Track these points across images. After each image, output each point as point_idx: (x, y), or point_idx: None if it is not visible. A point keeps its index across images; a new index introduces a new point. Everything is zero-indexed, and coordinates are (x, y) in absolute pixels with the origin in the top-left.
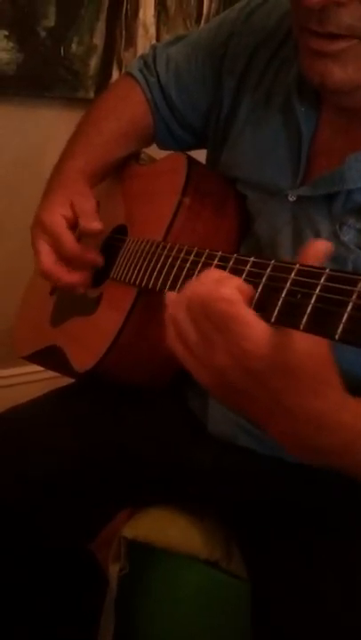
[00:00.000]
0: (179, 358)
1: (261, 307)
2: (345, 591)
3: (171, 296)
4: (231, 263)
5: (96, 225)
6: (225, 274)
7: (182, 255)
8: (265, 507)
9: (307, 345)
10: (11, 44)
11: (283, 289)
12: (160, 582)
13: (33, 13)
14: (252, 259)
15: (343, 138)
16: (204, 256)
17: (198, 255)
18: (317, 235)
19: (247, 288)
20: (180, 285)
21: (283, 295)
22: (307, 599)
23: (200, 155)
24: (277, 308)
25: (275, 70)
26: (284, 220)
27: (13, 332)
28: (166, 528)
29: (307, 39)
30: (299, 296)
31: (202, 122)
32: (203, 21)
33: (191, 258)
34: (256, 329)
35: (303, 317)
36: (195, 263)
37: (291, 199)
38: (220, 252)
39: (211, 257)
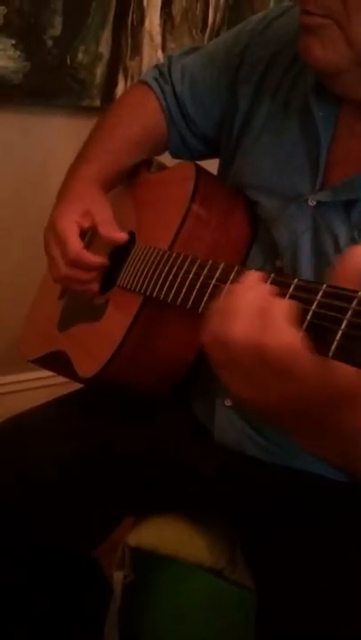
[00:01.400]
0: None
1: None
2: (348, 596)
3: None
4: (233, 276)
5: (121, 236)
6: (272, 305)
7: (185, 266)
8: (270, 514)
9: (346, 368)
10: (17, 53)
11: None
12: (164, 590)
13: (39, 22)
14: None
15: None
16: (207, 268)
17: (201, 267)
18: (336, 240)
19: (298, 322)
20: (183, 299)
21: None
22: (310, 604)
23: (211, 165)
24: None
25: (292, 78)
26: (305, 226)
27: (21, 335)
28: (171, 536)
29: (302, 17)
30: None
31: (215, 131)
32: (208, 30)
33: (194, 269)
34: (314, 371)
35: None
36: (197, 275)
37: (311, 204)
38: (222, 264)
39: (213, 269)
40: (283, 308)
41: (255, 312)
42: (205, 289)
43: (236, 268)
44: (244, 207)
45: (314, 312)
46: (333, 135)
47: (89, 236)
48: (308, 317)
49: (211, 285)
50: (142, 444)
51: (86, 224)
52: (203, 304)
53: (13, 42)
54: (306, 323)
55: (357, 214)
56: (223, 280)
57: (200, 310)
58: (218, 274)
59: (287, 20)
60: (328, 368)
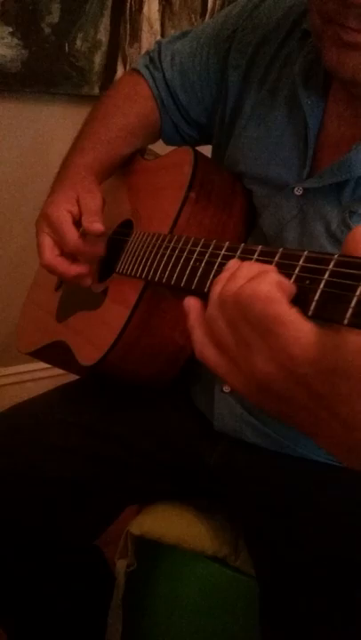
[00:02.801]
0: (209, 364)
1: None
2: (350, 583)
3: (190, 301)
4: (238, 253)
5: (98, 226)
6: (259, 267)
7: (188, 247)
8: (272, 501)
9: (358, 343)
10: (15, 41)
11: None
12: (167, 578)
13: (37, 10)
14: (259, 247)
15: (350, 128)
16: (211, 247)
17: (205, 247)
18: (328, 225)
19: (287, 283)
20: (187, 279)
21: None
22: (312, 591)
23: (205, 150)
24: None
25: (280, 65)
26: (291, 215)
27: (17, 328)
28: (173, 524)
29: (338, 31)
30: (307, 282)
31: (207, 117)
32: (207, 16)
33: (198, 249)
34: (302, 330)
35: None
36: (201, 254)
37: (297, 193)
38: (227, 243)
39: (218, 247)
40: (273, 274)
41: (246, 275)
42: (211, 267)
43: (241, 246)
44: (242, 193)
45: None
46: (321, 122)
47: (82, 230)
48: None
49: (216, 264)
50: (144, 432)
51: (76, 212)
52: (208, 283)
53: (11, 29)
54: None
55: (348, 195)
56: (229, 258)
57: (205, 290)
58: (223, 252)
59: (273, 3)
60: (329, 336)
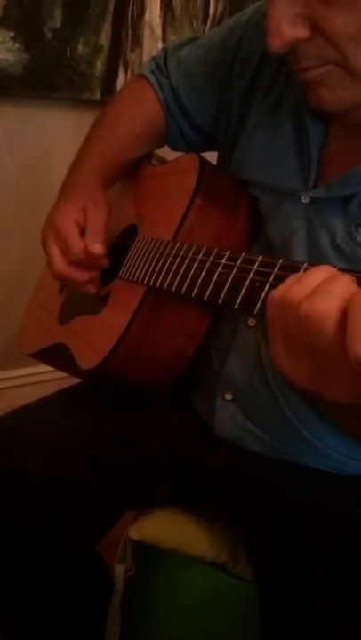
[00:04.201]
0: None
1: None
2: (350, 589)
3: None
4: (239, 262)
5: (98, 248)
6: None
7: (190, 255)
8: (272, 503)
9: None
10: (17, 46)
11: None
12: (166, 584)
13: (39, 15)
14: (260, 258)
15: (355, 141)
16: (213, 255)
17: (207, 254)
18: (333, 236)
19: None
20: (188, 287)
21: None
22: (312, 598)
23: (210, 157)
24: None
25: (285, 74)
26: (298, 223)
27: (20, 329)
28: (172, 530)
29: (300, 74)
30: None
31: (211, 124)
32: (209, 22)
33: (199, 257)
34: None
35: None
36: (202, 262)
37: (304, 201)
38: (228, 252)
39: (219, 256)
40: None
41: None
42: (211, 277)
43: (242, 256)
44: (247, 201)
45: None
46: (327, 132)
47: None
48: None
49: (216, 273)
50: (144, 434)
51: (83, 223)
52: (208, 292)
53: (12, 34)
54: None
55: (355, 209)
56: (230, 267)
57: (205, 298)
58: (223, 261)
59: None
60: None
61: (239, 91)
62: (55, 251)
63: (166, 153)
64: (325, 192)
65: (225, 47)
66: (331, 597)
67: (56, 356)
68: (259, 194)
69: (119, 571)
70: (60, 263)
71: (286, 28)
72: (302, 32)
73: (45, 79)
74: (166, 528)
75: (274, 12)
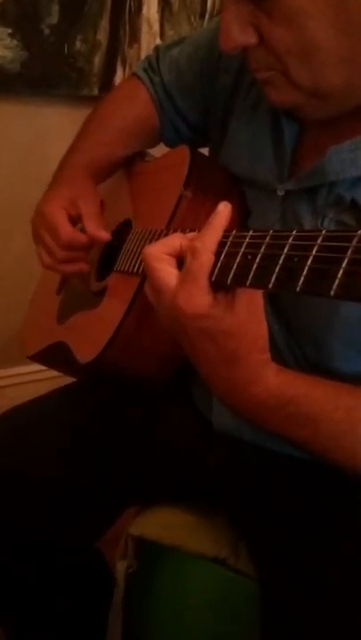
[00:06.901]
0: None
1: (261, 275)
2: (352, 582)
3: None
4: (230, 239)
5: (104, 235)
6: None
7: None
8: (272, 502)
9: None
10: (14, 42)
11: (280, 255)
12: (167, 580)
13: (37, 11)
14: (250, 232)
15: (328, 133)
16: None
17: None
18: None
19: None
20: None
21: (280, 262)
22: (314, 592)
23: (206, 151)
24: (275, 275)
25: None
26: (276, 217)
27: (21, 332)
28: (174, 526)
29: (255, 75)
30: (296, 260)
31: (203, 120)
32: (207, 17)
33: None
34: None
35: (300, 280)
36: None
37: (280, 194)
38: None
39: None
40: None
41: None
42: None
43: (233, 233)
44: (238, 192)
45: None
46: (302, 128)
47: (80, 226)
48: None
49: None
50: (143, 434)
51: (73, 212)
52: None
53: (10, 31)
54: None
55: (322, 200)
56: (222, 245)
57: None
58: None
59: None
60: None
61: (226, 87)
62: (46, 238)
63: (160, 152)
64: (296, 184)
65: (213, 43)
66: (330, 594)
67: (56, 355)
68: (244, 188)
69: (121, 567)
70: (55, 251)
71: (236, 34)
72: (251, 39)
73: (43, 76)
74: (167, 524)
75: (225, 16)
